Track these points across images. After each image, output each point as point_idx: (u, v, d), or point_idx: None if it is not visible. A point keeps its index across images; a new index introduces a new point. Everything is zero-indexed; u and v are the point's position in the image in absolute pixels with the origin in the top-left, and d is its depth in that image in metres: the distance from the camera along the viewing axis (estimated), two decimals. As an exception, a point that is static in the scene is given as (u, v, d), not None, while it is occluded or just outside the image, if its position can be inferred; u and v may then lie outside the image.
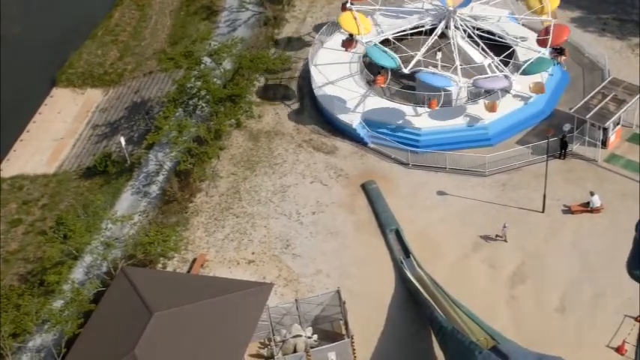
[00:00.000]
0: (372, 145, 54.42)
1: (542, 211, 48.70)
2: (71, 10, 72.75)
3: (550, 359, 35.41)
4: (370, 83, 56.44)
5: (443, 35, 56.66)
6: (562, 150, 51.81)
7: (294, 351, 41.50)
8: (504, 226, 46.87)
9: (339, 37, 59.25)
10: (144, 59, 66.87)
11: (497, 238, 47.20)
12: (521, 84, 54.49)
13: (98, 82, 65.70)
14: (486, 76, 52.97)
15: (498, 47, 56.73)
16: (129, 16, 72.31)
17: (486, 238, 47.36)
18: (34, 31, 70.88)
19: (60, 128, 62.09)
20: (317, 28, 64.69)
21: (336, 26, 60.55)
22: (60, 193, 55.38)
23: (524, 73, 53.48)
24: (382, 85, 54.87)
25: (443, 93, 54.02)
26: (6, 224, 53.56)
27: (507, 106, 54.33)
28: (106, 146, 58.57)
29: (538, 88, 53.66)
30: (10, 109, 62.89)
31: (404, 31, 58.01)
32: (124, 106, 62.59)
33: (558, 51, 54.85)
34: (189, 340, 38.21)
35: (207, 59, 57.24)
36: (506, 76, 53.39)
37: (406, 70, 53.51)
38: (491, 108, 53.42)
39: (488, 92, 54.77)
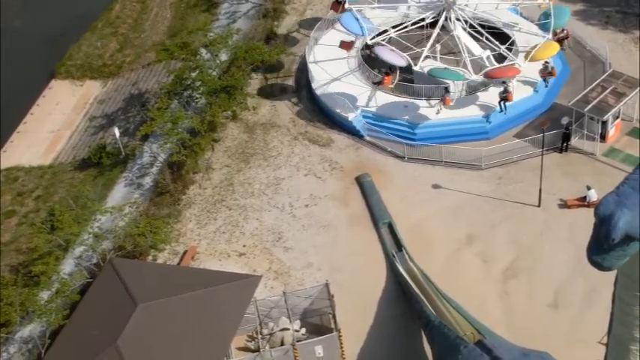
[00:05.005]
0: (368, 138, 53.76)
1: (538, 206, 47.93)
2: (72, 2, 72.38)
3: (536, 355, 34.60)
4: (376, 84, 54.93)
5: (442, 27, 55.90)
6: (564, 143, 51.01)
7: (282, 344, 41.02)
8: None
9: (336, 31, 58.77)
10: (143, 51, 66.46)
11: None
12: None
13: (97, 74, 65.25)
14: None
15: (498, 37, 55.85)
16: (130, 8, 71.89)
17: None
18: (34, 24, 70.59)
19: (57, 120, 61.71)
20: (315, 21, 64.03)
21: (332, 21, 60.01)
22: (54, 185, 55.04)
23: (556, 27, 54.67)
24: (390, 86, 53.95)
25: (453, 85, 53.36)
26: None
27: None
28: (102, 138, 58.26)
29: (446, 101, 52.89)
30: (8, 101, 62.54)
31: (404, 26, 56.86)
32: (121, 98, 62.21)
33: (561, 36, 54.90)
34: (173, 332, 37.81)
35: (204, 50, 56.75)
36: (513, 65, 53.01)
37: (416, 68, 52.93)
38: (445, 102, 52.93)
39: (485, 85, 54.13)
